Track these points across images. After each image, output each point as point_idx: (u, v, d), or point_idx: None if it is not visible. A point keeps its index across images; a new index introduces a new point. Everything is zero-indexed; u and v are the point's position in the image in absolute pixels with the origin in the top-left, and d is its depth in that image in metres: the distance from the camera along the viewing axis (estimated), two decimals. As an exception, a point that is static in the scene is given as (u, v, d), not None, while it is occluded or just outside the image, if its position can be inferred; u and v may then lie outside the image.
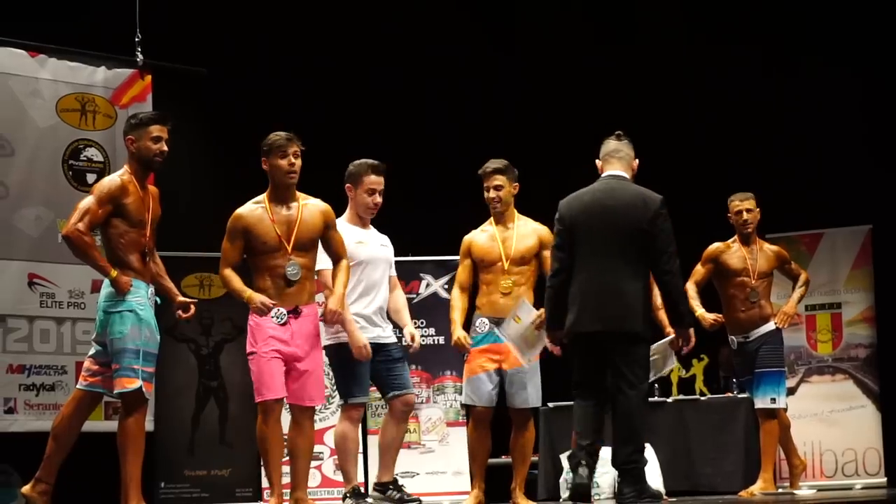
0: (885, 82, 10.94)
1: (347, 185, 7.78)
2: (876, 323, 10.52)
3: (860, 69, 11.06)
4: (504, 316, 7.66)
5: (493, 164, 7.82)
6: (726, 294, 8.86)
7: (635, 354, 7.00)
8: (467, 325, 7.82)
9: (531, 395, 7.75)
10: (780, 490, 9.15)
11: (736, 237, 8.87)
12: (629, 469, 7.05)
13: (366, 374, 7.55)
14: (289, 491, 7.00)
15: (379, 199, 7.74)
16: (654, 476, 9.26)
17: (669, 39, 11.79)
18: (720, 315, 8.64)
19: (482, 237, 7.88)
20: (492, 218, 7.90)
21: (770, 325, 8.76)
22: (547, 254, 7.61)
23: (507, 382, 7.71)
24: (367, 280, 7.66)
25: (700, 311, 8.65)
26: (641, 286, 6.96)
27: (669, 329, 8.07)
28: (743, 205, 8.80)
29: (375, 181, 7.71)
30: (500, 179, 7.81)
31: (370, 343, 7.54)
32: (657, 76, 11.79)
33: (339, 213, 7.54)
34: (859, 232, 10.65)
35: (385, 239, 7.91)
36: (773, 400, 8.68)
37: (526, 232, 7.85)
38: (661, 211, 6.90)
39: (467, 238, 7.92)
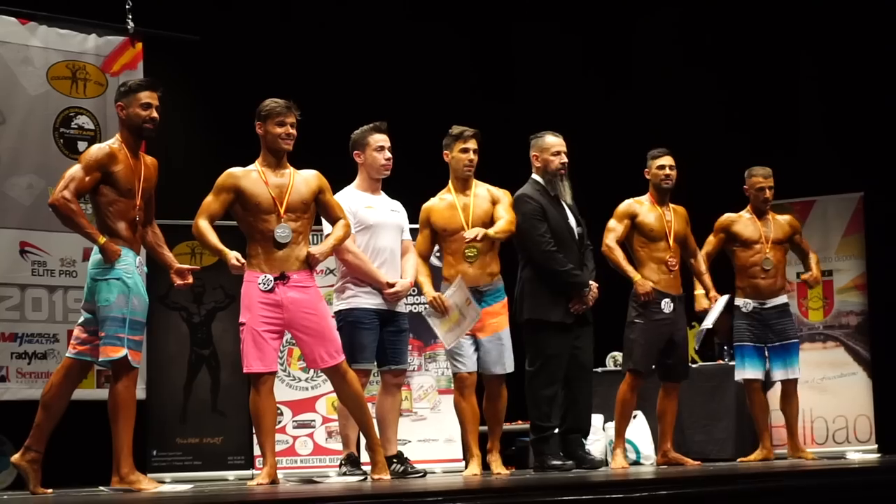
0: (875, 48, 10.92)
1: (355, 151, 7.80)
2: (867, 290, 10.53)
3: (849, 34, 11.04)
4: (476, 284, 7.72)
5: (469, 128, 7.86)
6: (744, 263, 8.92)
7: (528, 341, 8.10)
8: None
9: (507, 361, 7.81)
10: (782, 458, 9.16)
11: (749, 207, 8.97)
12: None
13: (370, 341, 7.57)
14: (277, 458, 7.11)
15: (389, 156, 7.76)
16: (645, 443, 9.32)
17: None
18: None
19: (441, 205, 7.87)
20: (451, 185, 7.91)
21: (784, 297, 8.89)
22: (497, 208, 7.82)
23: (483, 350, 7.75)
24: (374, 245, 7.67)
25: (699, 291, 8.72)
26: (527, 276, 8.06)
27: (714, 293, 8.70)
28: (766, 182, 8.90)
29: (381, 139, 7.76)
30: (477, 143, 7.84)
31: (380, 309, 7.57)
32: (648, 44, 11.80)
33: (338, 186, 7.55)
34: (851, 199, 10.65)
35: (396, 204, 7.91)
36: (793, 372, 8.89)
37: (483, 195, 7.89)
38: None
39: (426, 207, 7.91)
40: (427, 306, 7.74)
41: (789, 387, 8.94)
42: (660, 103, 11.58)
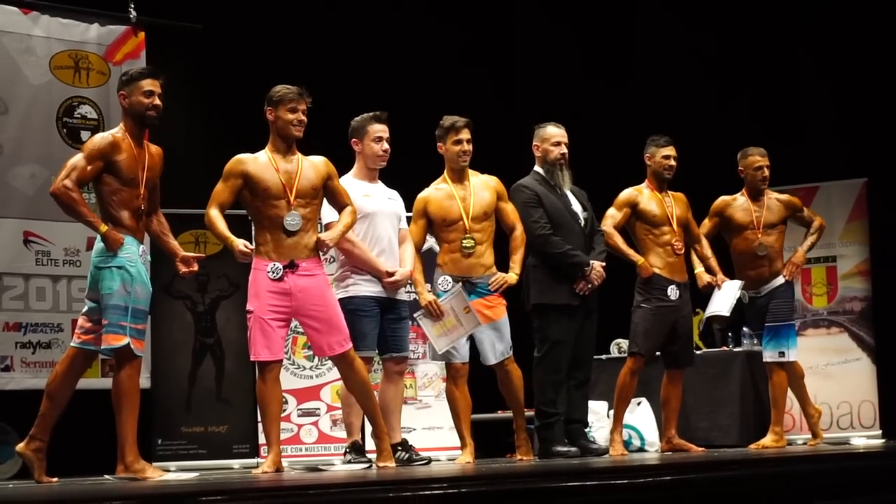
0: (878, 33, 10.90)
1: (353, 139, 7.80)
2: (871, 276, 10.53)
3: (852, 20, 11.03)
4: (469, 275, 7.69)
5: (461, 118, 7.83)
6: (735, 249, 8.88)
7: (535, 327, 8.21)
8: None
9: (500, 347, 7.78)
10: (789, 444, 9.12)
11: (744, 190, 8.90)
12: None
13: (370, 329, 7.57)
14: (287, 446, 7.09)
15: (387, 146, 7.76)
16: (650, 429, 9.32)
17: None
18: (715, 279, 8.64)
19: (438, 195, 7.82)
20: (446, 175, 7.89)
21: (780, 280, 8.78)
22: (503, 205, 7.80)
23: (476, 340, 7.76)
24: (373, 233, 7.67)
25: (699, 269, 8.69)
26: (532, 263, 8.11)
27: (721, 276, 8.71)
28: (763, 161, 8.81)
29: (380, 129, 7.75)
30: (470, 133, 7.82)
31: (380, 297, 7.58)
32: (646, 28, 11.80)
33: (341, 174, 7.54)
34: (854, 185, 10.63)
35: (393, 193, 7.92)
36: (782, 353, 8.72)
37: (481, 186, 7.87)
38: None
39: (422, 197, 7.86)
40: (422, 309, 7.68)
41: (767, 370, 8.89)
42: (662, 91, 11.57)
